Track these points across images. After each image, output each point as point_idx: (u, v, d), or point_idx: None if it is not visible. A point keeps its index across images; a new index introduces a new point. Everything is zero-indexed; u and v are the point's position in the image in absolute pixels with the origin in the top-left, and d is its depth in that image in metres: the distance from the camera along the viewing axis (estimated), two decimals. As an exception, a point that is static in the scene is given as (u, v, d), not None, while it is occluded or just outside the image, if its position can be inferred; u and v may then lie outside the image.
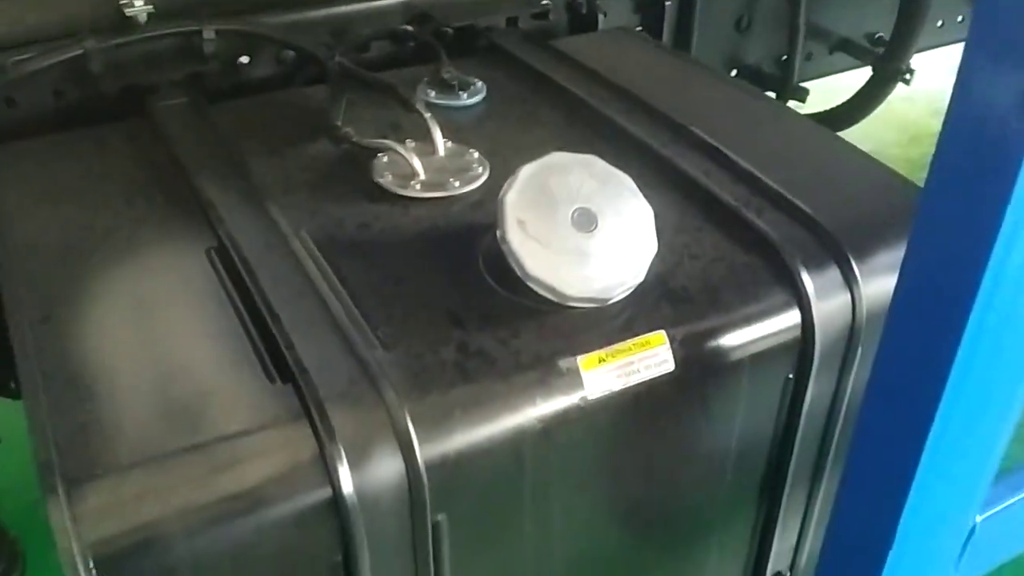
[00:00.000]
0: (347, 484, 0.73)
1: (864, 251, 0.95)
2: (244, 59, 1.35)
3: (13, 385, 1.21)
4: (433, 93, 1.25)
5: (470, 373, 0.81)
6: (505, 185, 0.87)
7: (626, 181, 0.90)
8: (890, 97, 2.00)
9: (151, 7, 1.19)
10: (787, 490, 1.04)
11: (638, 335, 0.86)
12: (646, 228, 0.88)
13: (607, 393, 0.84)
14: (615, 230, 0.86)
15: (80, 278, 0.91)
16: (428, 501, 0.77)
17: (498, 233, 0.85)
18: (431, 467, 0.76)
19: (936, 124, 0.60)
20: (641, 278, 0.87)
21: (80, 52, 1.18)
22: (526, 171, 0.87)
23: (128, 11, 1.17)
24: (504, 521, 0.85)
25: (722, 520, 1.06)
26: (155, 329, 0.85)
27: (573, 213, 0.85)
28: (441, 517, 0.79)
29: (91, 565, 0.66)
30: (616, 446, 0.89)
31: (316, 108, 1.22)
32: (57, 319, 0.85)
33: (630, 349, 0.85)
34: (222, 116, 1.20)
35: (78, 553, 0.66)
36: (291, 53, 1.37)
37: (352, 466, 0.74)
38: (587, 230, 0.85)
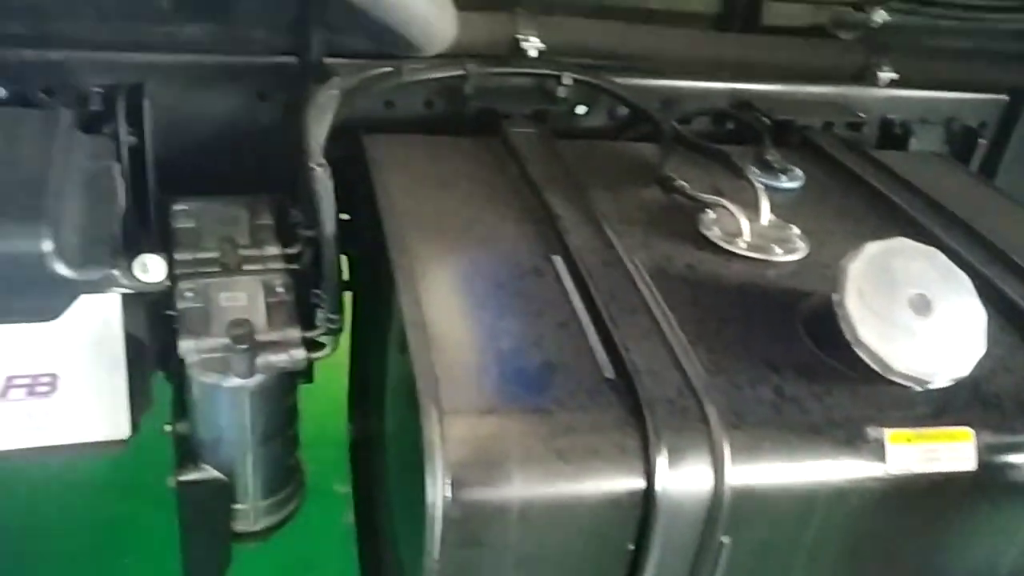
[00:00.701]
0: (661, 482, 0.81)
1: None
2: (581, 108, 1.51)
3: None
4: (755, 171, 1.33)
5: (784, 416, 0.87)
6: (847, 256, 0.93)
7: (964, 281, 0.94)
8: None
9: (543, 45, 1.36)
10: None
11: (947, 426, 0.89)
12: (978, 327, 0.91)
13: (906, 472, 0.87)
14: (949, 320, 0.90)
15: (451, 251, 1.06)
16: (721, 520, 0.83)
17: (834, 297, 0.91)
18: (734, 490, 0.82)
19: None
20: (965, 373, 0.90)
21: (461, 73, 1.37)
22: (872, 247, 0.93)
23: (523, 44, 1.35)
24: (777, 562, 0.89)
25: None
26: (511, 307, 0.97)
27: (911, 296, 0.90)
28: (726, 539, 0.85)
29: (449, 480, 0.77)
30: (899, 527, 0.91)
31: (645, 161, 1.34)
32: (431, 279, 0.99)
33: (937, 436, 0.88)
34: (565, 150, 1.34)
35: (440, 468, 0.77)
36: (623, 110, 1.51)
37: (670, 467, 0.81)
38: (922, 314, 0.89)
